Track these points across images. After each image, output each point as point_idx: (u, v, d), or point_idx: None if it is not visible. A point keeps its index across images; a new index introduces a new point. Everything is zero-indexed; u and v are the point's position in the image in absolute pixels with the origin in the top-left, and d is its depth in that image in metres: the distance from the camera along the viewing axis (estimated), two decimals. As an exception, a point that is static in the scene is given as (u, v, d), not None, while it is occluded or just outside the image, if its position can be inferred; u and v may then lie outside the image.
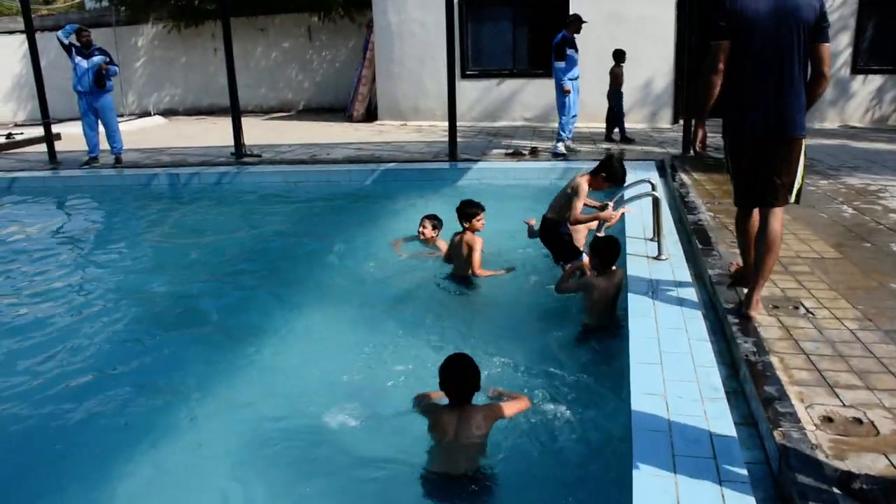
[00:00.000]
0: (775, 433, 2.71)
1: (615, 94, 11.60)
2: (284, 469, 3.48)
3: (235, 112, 10.76)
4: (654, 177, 7.99)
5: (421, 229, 6.72)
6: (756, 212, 4.14)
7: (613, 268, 4.82)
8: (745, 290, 4.09)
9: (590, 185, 5.76)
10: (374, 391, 4.09)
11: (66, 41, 10.40)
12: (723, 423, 2.87)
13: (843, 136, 12.02)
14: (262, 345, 4.93)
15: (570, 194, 5.73)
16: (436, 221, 6.76)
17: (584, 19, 10.15)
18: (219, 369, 4.58)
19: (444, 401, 3.41)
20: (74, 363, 4.77)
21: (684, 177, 7.98)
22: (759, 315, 3.91)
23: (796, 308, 4.07)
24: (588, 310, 4.80)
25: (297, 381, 4.34)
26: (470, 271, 5.86)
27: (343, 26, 18.43)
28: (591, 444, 3.42)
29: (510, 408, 3.46)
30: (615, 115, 11.63)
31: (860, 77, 13.46)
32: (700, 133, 4.11)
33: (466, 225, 5.94)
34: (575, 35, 10.02)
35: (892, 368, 3.29)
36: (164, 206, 9.64)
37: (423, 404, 3.56)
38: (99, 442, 3.81)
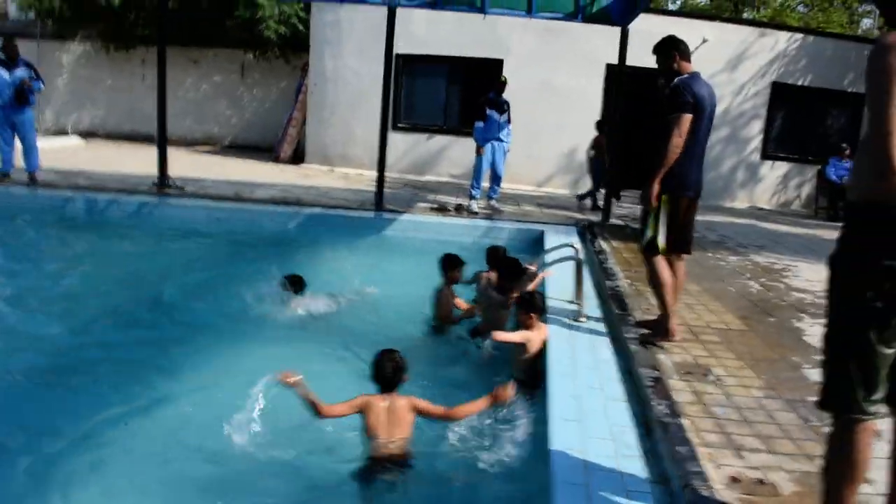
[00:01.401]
0: (686, 491, 2.83)
1: (597, 162, 11.79)
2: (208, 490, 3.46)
3: (162, 141, 10.56)
4: (576, 241, 8.24)
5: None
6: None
7: (541, 323, 4.98)
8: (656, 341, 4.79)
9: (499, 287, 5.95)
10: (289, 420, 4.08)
11: None
12: (637, 479, 2.98)
13: (750, 216, 12.71)
14: (167, 383, 4.79)
15: (497, 305, 5.85)
16: (294, 279, 6.41)
17: (504, 79, 10.46)
18: (111, 413, 4.36)
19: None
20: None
21: (603, 244, 8.28)
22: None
23: (706, 375, 4.27)
24: (518, 363, 4.89)
25: (214, 412, 4.24)
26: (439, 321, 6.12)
27: (277, 66, 18.46)
28: (510, 493, 3.47)
29: (431, 407, 3.91)
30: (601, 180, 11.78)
31: (769, 162, 14.31)
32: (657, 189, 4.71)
33: (448, 275, 6.25)
34: (501, 97, 10.26)
35: (792, 434, 3.49)
36: (78, 232, 9.31)
37: (357, 401, 3.86)
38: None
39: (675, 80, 4.69)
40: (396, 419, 3.82)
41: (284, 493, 3.65)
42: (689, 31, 13.48)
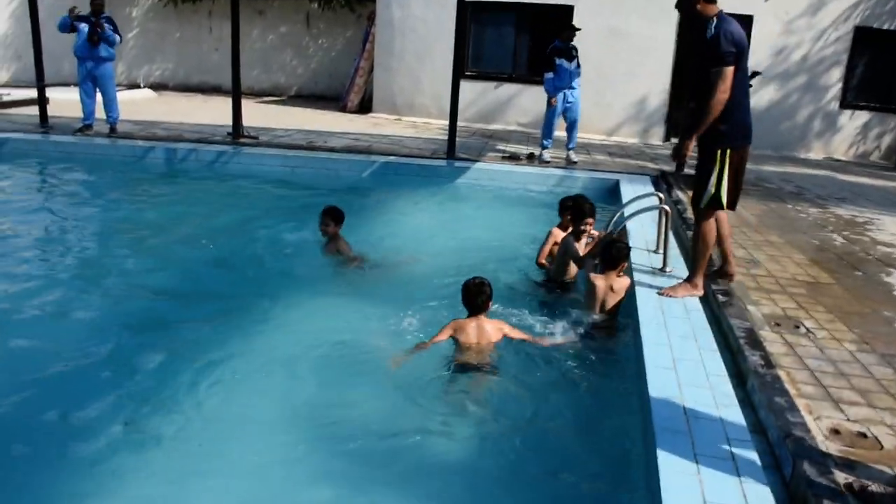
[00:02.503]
0: (788, 441, 2.86)
1: None
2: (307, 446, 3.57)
3: (236, 91, 10.75)
4: (652, 191, 8.18)
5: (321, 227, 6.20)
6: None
7: (617, 273, 4.93)
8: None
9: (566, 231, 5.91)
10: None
11: (65, 31, 10.42)
12: (738, 428, 3.02)
13: (827, 167, 12.35)
14: (255, 331, 4.87)
15: (563, 255, 5.74)
16: (336, 215, 6.21)
17: (576, 26, 10.23)
18: (207, 357, 4.44)
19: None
20: (51, 346, 4.54)
21: (680, 193, 8.18)
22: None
23: (797, 327, 4.24)
24: (588, 307, 4.93)
25: (298, 370, 4.36)
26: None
27: (342, 16, 18.43)
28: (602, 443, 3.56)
29: (517, 333, 4.46)
30: None
31: (848, 112, 13.80)
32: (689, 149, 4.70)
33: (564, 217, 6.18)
34: (570, 43, 10.05)
35: (890, 389, 3.47)
36: (158, 181, 9.60)
37: (449, 326, 4.38)
38: (97, 438, 3.60)
39: (714, 26, 4.41)
40: (485, 338, 4.29)
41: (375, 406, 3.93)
42: (768, -27, 13.02)
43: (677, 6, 4.65)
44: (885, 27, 13.43)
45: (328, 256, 6.16)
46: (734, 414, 3.16)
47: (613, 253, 4.93)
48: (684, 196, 8.06)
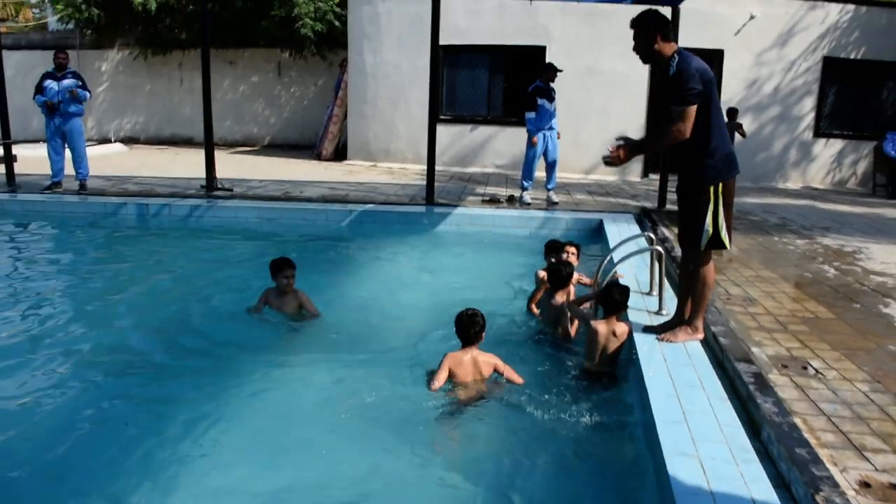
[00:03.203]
0: (818, 498, 2.66)
1: None
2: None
3: (209, 143, 10.55)
4: (636, 229, 8.06)
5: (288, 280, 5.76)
6: None
7: (616, 318, 4.76)
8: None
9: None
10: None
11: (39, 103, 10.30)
12: (762, 486, 2.81)
13: (807, 196, 12.35)
14: (233, 395, 4.54)
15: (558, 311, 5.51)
16: (280, 264, 5.80)
17: (558, 68, 10.14)
18: (177, 427, 4.11)
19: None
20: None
21: (665, 231, 8.05)
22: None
23: (804, 368, 4.06)
24: (588, 354, 4.74)
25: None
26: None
27: (313, 64, 18.42)
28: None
29: (509, 371, 4.46)
30: None
31: (822, 140, 13.91)
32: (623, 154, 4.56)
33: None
34: (550, 84, 10.01)
35: (913, 433, 3.29)
36: (131, 238, 9.32)
37: (445, 363, 4.37)
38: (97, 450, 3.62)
39: (675, 63, 4.23)
40: (478, 370, 4.36)
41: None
42: (736, 7, 13.18)
43: (635, 49, 4.45)
44: (853, 56, 13.62)
45: (286, 312, 5.82)
46: (754, 470, 2.94)
47: (616, 297, 4.76)
48: (670, 233, 7.94)
